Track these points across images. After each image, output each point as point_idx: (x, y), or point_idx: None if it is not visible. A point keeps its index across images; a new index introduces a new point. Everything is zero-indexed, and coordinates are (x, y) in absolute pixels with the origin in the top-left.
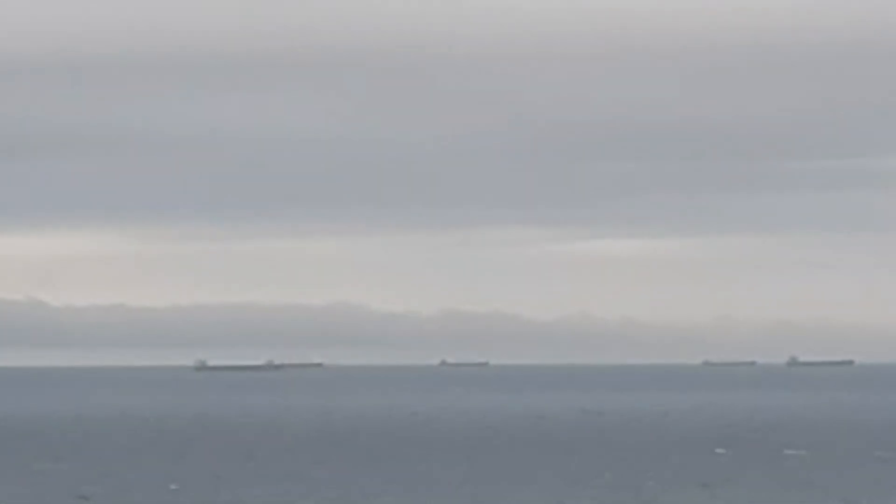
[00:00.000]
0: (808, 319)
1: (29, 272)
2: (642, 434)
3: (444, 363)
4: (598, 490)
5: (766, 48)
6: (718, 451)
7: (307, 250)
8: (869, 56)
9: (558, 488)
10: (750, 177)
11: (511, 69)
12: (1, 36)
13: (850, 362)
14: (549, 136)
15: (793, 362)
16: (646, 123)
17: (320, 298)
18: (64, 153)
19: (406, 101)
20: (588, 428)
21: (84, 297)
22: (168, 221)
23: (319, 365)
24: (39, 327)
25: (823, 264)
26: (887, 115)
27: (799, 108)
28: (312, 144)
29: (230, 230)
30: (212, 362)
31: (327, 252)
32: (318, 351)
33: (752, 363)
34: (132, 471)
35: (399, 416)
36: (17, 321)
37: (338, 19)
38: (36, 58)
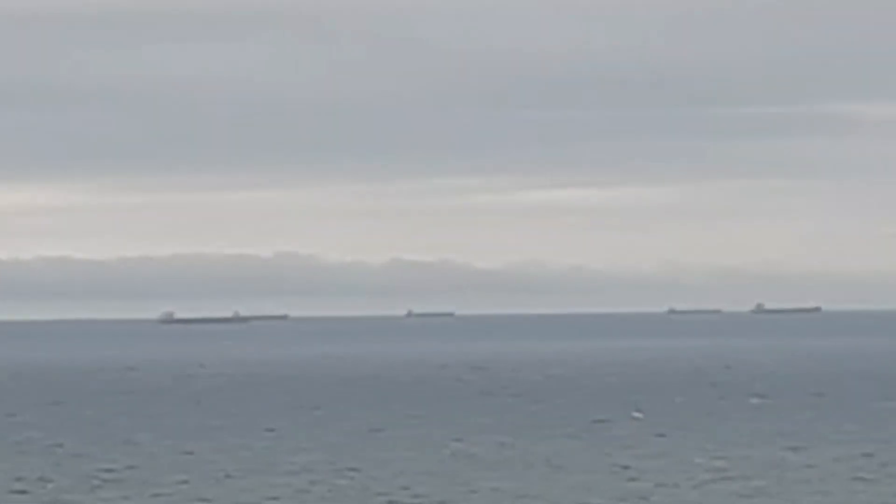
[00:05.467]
0: (771, 266)
1: None
2: (618, 380)
3: (410, 314)
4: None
5: None
6: (678, 399)
7: (251, 201)
8: (813, 3)
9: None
10: (705, 123)
11: (457, 18)
12: None
13: (818, 309)
14: (498, 84)
15: (759, 310)
16: (596, 71)
17: (268, 249)
18: (10, 106)
19: (353, 53)
20: (572, 375)
21: (30, 249)
22: (113, 173)
23: (285, 317)
24: None
25: (785, 210)
26: (845, 61)
27: (756, 54)
28: (259, 95)
29: (175, 182)
30: (179, 314)
31: (272, 202)
32: (272, 301)
33: (718, 311)
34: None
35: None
36: None
37: None
38: None
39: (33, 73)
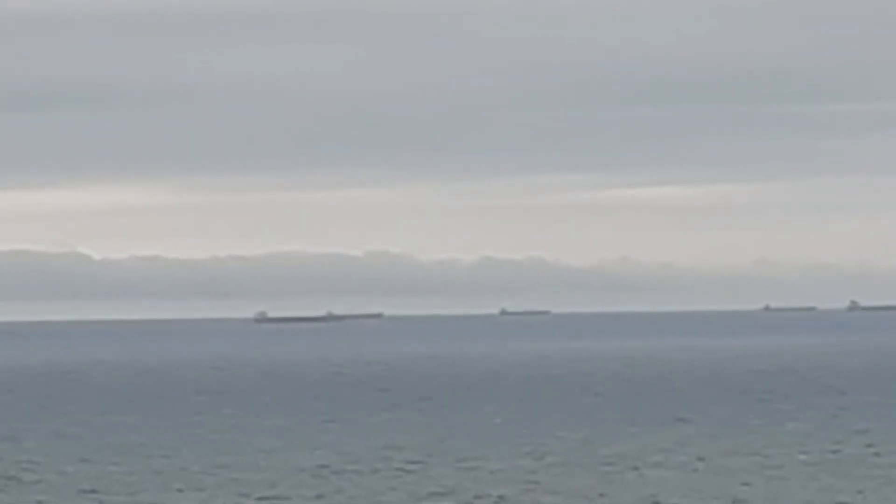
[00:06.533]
0: (866, 263)
1: (70, 225)
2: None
3: (504, 312)
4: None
5: None
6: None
7: (341, 200)
8: None
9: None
10: (799, 120)
11: (545, 15)
12: None
13: None
14: (590, 82)
15: (854, 307)
16: (685, 69)
17: (359, 248)
18: (103, 106)
19: (442, 51)
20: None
21: (122, 249)
22: (204, 173)
23: (379, 315)
24: (82, 280)
25: (879, 207)
26: None
27: (840, 50)
28: (350, 95)
29: (266, 181)
30: (272, 314)
31: (362, 201)
32: (364, 300)
33: (813, 308)
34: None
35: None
36: (60, 274)
37: None
38: (74, 12)
39: (126, 75)
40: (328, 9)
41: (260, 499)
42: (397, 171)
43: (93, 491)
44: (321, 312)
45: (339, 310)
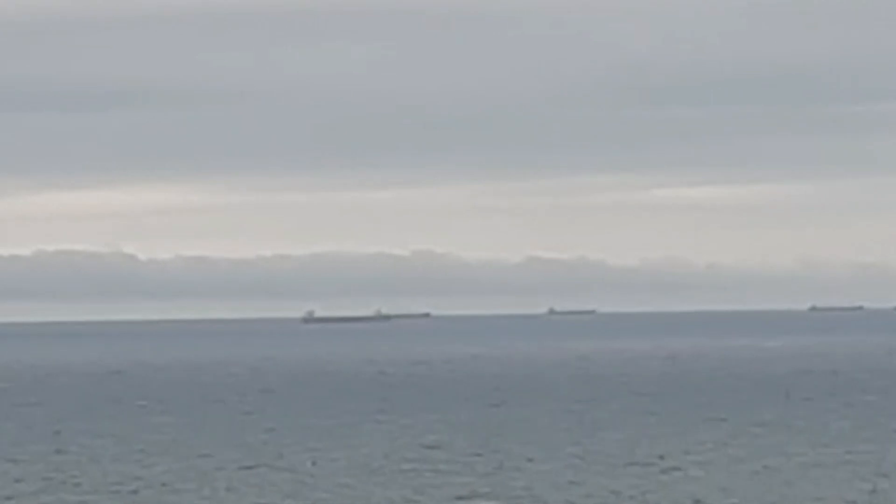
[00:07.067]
0: None
1: (116, 225)
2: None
3: (552, 311)
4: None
5: None
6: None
7: (387, 200)
8: None
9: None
10: (841, 119)
11: (588, 15)
12: None
13: None
14: (634, 83)
15: None
16: (731, 68)
17: (405, 248)
18: (149, 107)
19: (486, 50)
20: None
21: (168, 249)
22: (249, 173)
23: (427, 315)
24: (127, 280)
25: None
26: None
27: (890, 49)
28: (395, 95)
29: (311, 181)
30: (320, 313)
31: (407, 201)
32: (412, 299)
33: (860, 308)
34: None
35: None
36: (106, 274)
37: None
38: (123, 12)
39: (172, 74)
40: (374, 7)
41: (301, 499)
42: (442, 171)
43: (134, 492)
44: (370, 312)
45: (386, 309)
